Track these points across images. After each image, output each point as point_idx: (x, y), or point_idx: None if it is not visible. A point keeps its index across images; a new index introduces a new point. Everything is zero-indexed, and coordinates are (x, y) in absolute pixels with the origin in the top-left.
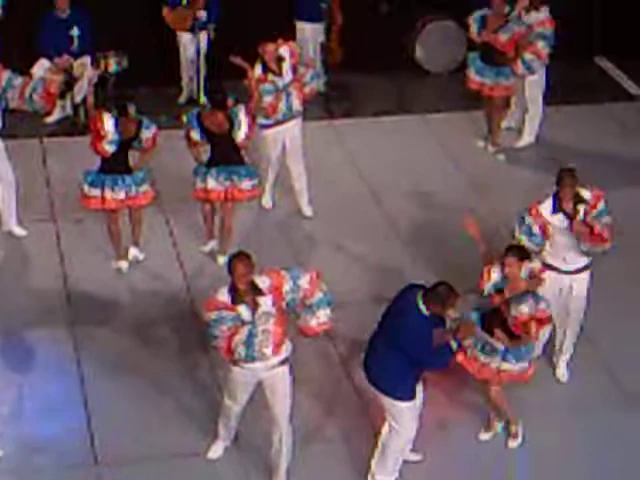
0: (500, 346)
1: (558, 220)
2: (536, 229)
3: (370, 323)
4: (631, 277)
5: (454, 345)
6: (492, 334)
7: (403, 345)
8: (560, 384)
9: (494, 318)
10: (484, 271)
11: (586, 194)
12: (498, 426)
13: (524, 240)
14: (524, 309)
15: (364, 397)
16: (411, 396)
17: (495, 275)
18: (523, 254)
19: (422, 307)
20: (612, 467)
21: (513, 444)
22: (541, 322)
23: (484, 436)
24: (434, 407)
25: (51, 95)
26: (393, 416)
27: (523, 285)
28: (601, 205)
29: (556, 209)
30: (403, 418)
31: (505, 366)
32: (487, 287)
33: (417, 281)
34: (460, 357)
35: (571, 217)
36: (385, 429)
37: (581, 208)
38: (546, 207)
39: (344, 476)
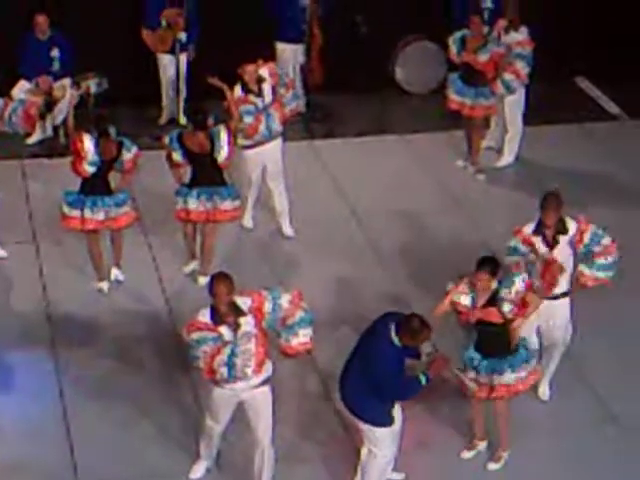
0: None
1: (537, 242)
2: (520, 245)
3: (350, 343)
4: (614, 296)
5: (423, 379)
6: (495, 355)
7: (373, 374)
8: (543, 404)
9: (490, 335)
10: (457, 304)
11: (572, 226)
12: (481, 445)
13: (510, 259)
14: (519, 287)
15: (344, 417)
16: (389, 421)
17: (467, 300)
18: (494, 269)
19: (394, 338)
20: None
21: (493, 467)
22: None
23: (466, 455)
24: (415, 425)
25: (31, 117)
26: (371, 441)
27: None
28: (587, 237)
29: (537, 231)
30: (381, 443)
31: (500, 380)
32: (465, 312)
33: (397, 301)
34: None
35: (550, 245)
36: (364, 452)
37: (561, 239)
38: (529, 227)
39: None
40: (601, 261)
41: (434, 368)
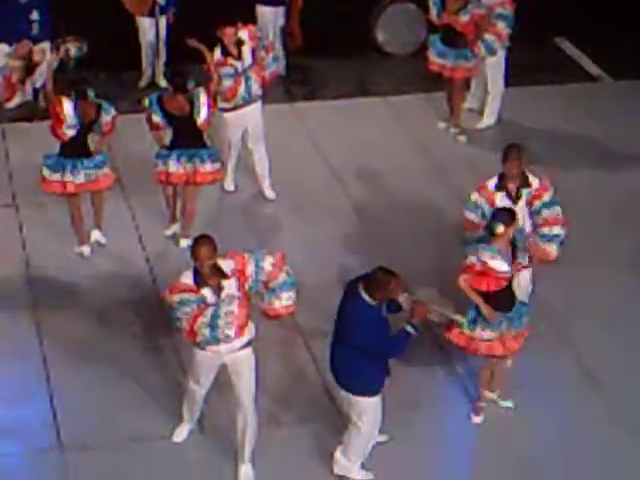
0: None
1: (500, 198)
2: (482, 202)
3: (333, 305)
4: (595, 256)
5: (410, 329)
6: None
7: (357, 340)
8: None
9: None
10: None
11: (534, 181)
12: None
13: (469, 215)
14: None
15: (327, 380)
16: (374, 390)
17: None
18: (508, 218)
19: (366, 297)
20: (567, 440)
21: (477, 419)
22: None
23: (477, 419)
24: (399, 386)
25: (11, 84)
26: (357, 413)
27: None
28: (547, 196)
29: (498, 187)
30: (367, 411)
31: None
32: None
33: (380, 262)
34: (456, 338)
35: (513, 199)
36: (352, 418)
37: (524, 193)
38: (491, 183)
39: (308, 457)
40: (544, 231)
41: (417, 315)
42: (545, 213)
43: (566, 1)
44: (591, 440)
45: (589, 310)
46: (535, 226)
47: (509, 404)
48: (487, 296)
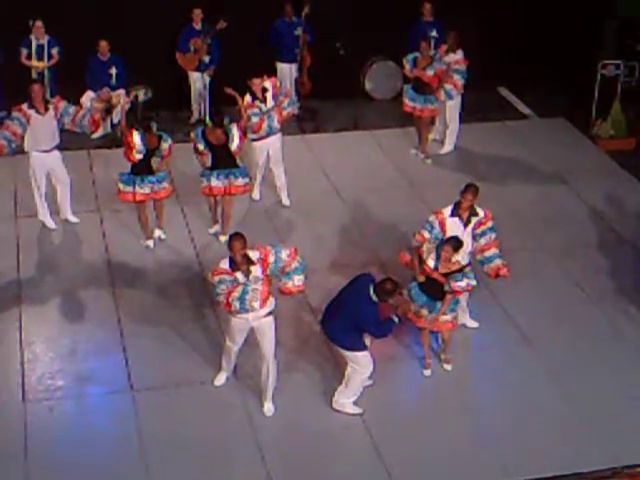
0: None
1: (454, 223)
2: (436, 224)
3: (332, 285)
4: (529, 246)
5: (395, 319)
6: (434, 297)
7: (357, 321)
8: (475, 330)
9: (434, 286)
10: (425, 263)
11: (481, 212)
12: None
13: (426, 233)
14: (461, 284)
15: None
16: (365, 347)
17: (432, 262)
18: (457, 245)
19: (373, 296)
20: (511, 387)
21: (448, 367)
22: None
23: (426, 373)
24: (383, 344)
25: (95, 121)
26: (353, 362)
27: (453, 265)
28: (489, 224)
29: (454, 214)
30: (361, 362)
31: (444, 318)
32: (429, 270)
33: (367, 252)
34: (414, 319)
35: (464, 223)
36: (349, 369)
37: (474, 220)
38: (447, 210)
39: (314, 397)
40: (485, 254)
41: (401, 310)
42: (488, 236)
43: (505, 60)
44: (521, 384)
45: (525, 286)
46: (479, 250)
47: (448, 367)
48: (427, 278)
